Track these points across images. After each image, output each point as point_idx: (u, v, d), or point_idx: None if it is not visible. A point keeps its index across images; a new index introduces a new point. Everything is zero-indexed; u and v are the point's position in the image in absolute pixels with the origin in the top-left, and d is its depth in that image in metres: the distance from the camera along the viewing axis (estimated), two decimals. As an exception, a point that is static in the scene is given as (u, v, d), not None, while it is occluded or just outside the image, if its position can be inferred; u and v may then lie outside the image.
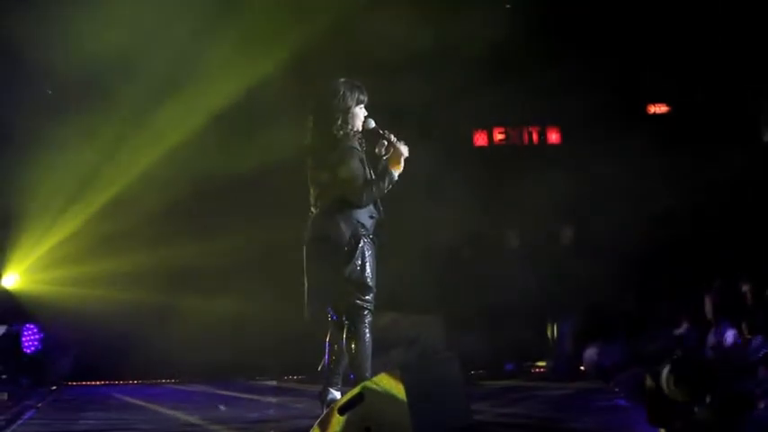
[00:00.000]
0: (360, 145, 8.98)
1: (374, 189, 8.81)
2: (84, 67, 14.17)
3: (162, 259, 15.02)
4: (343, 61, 13.92)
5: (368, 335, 8.87)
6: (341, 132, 8.86)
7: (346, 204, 8.81)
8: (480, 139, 16.86)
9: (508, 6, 15.69)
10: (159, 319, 15.02)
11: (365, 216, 8.89)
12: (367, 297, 8.85)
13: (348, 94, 8.90)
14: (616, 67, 15.63)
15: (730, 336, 12.07)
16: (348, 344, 8.90)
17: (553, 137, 16.80)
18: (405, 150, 8.99)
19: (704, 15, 15.09)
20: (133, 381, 15.38)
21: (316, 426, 8.22)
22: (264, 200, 14.99)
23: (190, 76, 14.72)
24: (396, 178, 8.95)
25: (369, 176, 8.85)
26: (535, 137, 16.85)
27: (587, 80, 15.39)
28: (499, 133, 16.88)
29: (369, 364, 8.88)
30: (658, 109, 16.62)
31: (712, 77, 15.37)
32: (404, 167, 8.97)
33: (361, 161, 8.87)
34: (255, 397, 12.87)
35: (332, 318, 9.01)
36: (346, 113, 8.89)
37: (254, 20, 14.53)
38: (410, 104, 14.50)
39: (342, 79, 9.06)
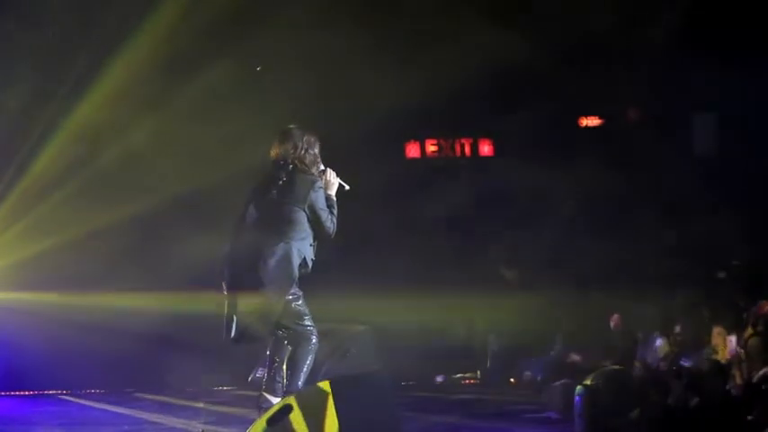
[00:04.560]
0: None
1: (334, 218, 8.98)
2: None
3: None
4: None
5: (309, 358, 8.98)
6: (316, 172, 9.02)
7: (309, 236, 8.93)
8: (413, 151, 16.88)
9: None
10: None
11: (311, 251, 9.01)
12: (307, 323, 8.94)
13: (315, 140, 9.08)
14: (549, 80, 15.67)
15: (658, 349, 12.19)
16: (289, 363, 8.95)
17: (485, 149, 16.84)
18: (333, 177, 9.18)
19: (636, 31, 15.19)
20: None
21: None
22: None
23: None
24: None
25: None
26: (467, 148, 16.88)
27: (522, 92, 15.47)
28: (431, 145, 16.90)
29: (303, 383, 8.94)
30: (591, 122, 16.71)
31: (645, 91, 15.46)
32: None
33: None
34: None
35: (275, 333, 9.05)
36: (320, 163, 9.06)
37: None
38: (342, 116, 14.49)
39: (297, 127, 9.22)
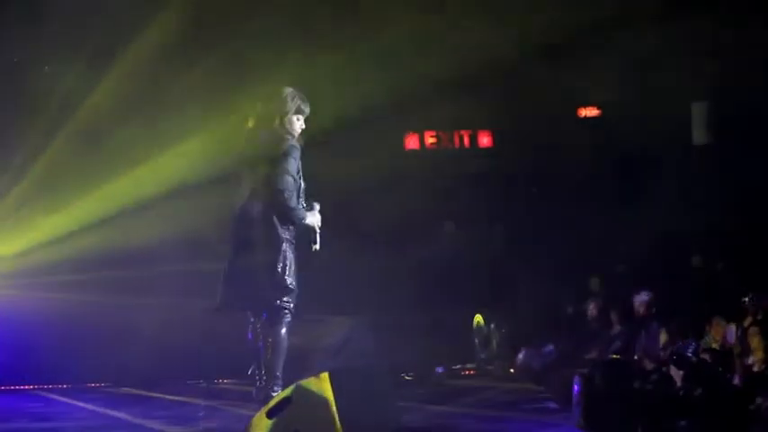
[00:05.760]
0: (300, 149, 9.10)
1: (294, 214, 8.94)
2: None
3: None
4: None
5: (284, 335, 9.00)
6: (281, 134, 9.00)
7: (294, 198, 8.97)
8: (412, 143, 16.86)
9: None
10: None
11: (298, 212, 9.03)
12: (287, 299, 8.98)
13: (289, 100, 9.07)
14: (548, 71, 15.65)
15: (658, 338, 12.17)
16: (264, 342, 8.99)
17: (484, 140, 16.82)
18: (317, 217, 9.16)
19: (634, 19, 15.17)
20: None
21: (246, 428, 8.18)
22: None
23: None
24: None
25: (300, 188, 9.00)
26: (467, 140, 16.86)
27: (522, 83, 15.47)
28: (430, 137, 16.88)
29: (281, 363, 8.95)
30: (589, 112, 16.68)
31: (643, 81, 15.45)
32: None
33: (297, 170, 9.01)
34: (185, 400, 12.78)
35: (259, 317, 9.08)
36: (284, 117, 9.04)
37: None
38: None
39: (288, 87, 9.22)
